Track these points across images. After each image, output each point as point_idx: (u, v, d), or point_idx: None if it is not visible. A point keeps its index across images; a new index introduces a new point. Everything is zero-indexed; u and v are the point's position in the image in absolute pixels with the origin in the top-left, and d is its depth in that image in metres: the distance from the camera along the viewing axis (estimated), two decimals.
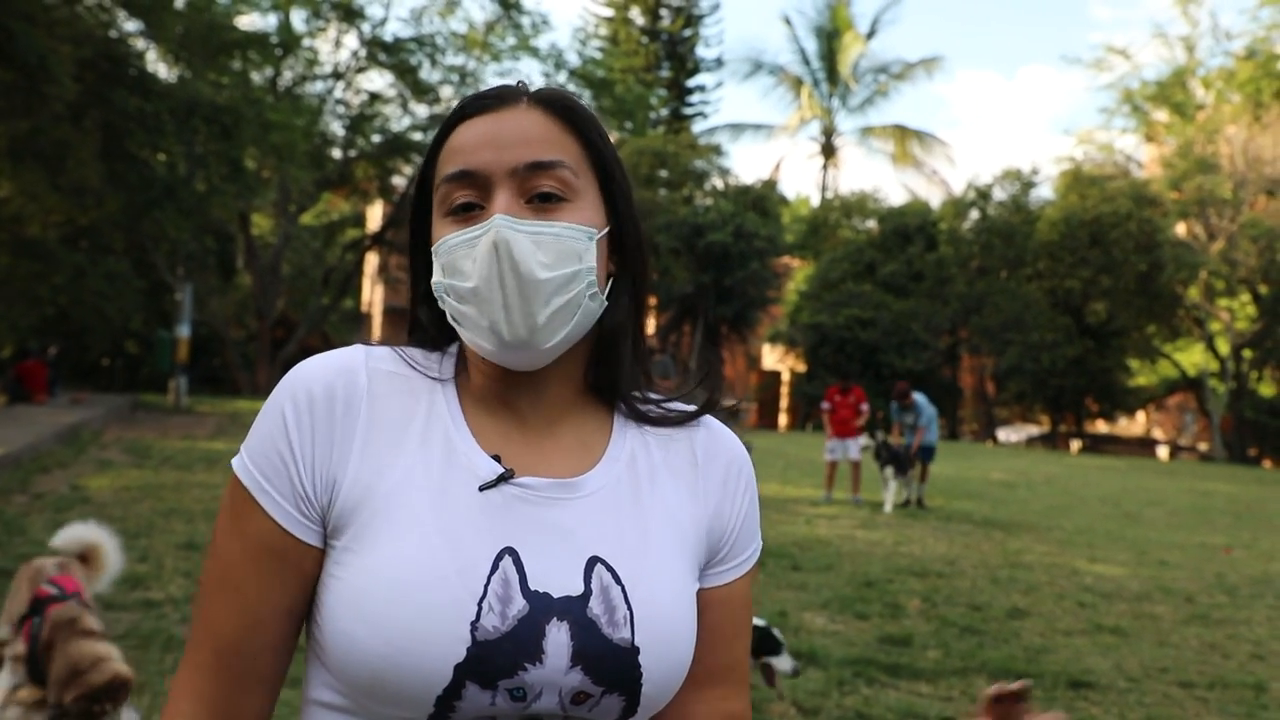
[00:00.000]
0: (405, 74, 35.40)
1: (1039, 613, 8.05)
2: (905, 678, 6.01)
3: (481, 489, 1.12)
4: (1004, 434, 41.62)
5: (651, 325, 37.26)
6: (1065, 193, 38.36)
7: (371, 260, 43.78)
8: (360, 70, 35.83)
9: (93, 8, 20.95)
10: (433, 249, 1.16)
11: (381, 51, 35.25)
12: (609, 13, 50.19)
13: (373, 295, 47.97)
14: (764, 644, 5.07)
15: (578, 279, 1.12)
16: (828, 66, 47.78)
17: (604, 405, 1.26)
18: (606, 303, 1.19)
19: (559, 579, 1.10)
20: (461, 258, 1.12)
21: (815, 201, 50.69)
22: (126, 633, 5.64)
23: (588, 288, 1.14)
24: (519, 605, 1.07)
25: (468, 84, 36.09)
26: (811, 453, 22.58)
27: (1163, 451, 39.77)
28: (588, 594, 1.10)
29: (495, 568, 1.08)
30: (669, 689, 1.15)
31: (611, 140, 1.23)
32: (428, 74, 35.84)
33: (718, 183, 40.23)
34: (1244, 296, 37.89)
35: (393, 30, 44.95)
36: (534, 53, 36.24)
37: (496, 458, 1.15)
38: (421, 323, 1.25)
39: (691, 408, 1.30)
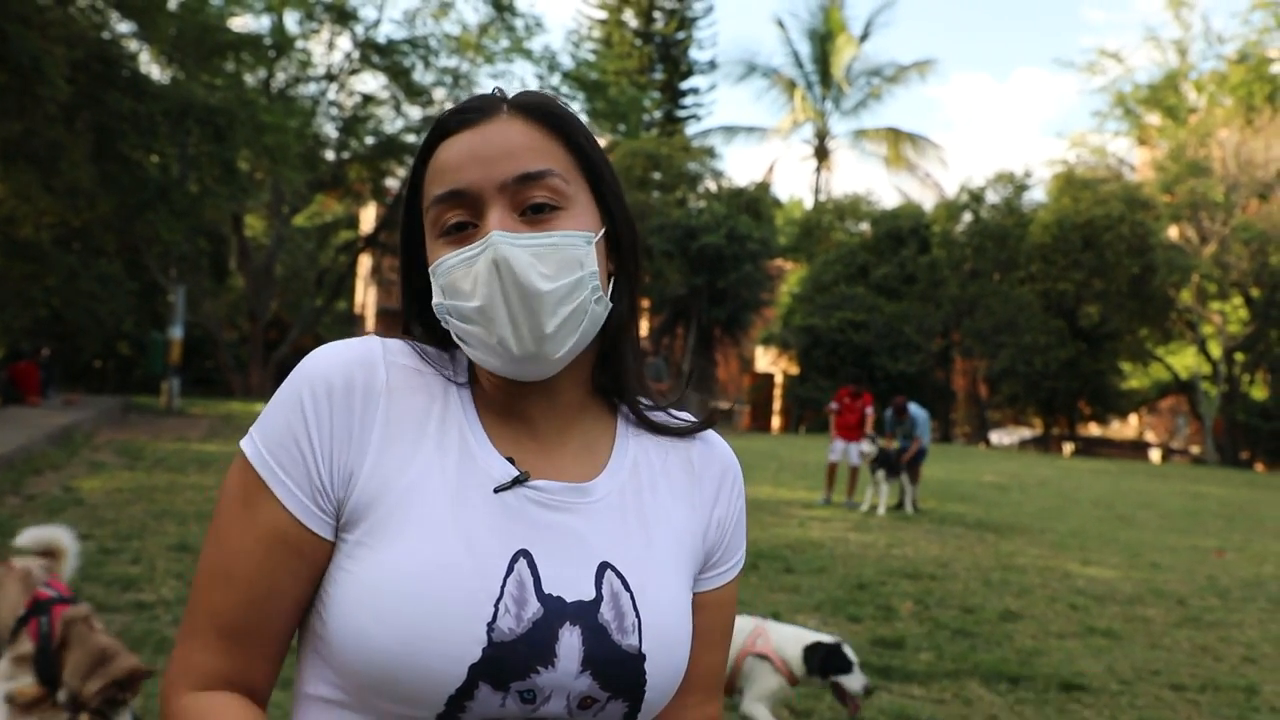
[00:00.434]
0: (398, 76, 35.37)
1: (1031, 615, 8.06)
2: (898, 680, 6.02)
3: (496, 491, 1.12)
4: (996, 437, 41.63)
5: (644, 328, 37.27)
6: (1058, 196, 38.36)
7: (365, 262, 43.74)
8: (353, 72, 35.80)
9: (86, 9, 20.92)
10: (430, 271, 1.15)
11: (375, 53, 35.22)
12: (602, 15, 50.18)
13: (366, 297, 47.93)
14: (834, 661, 4.82)
15: (581, 285, 1.12)
16: (821, 69, 47.78)
17: (608, 408, 1.27)
18: (610, 304, 1.19)
19: (571, 584, 1.11)
20: (461, 278, 1.11)
21: (808, 204, 50.68)
22: (118, 635, 5.62)
23: (592, 293, 1.14)
24: (534, 608, 1.07)
25: (461, 86, 36.07)
26: (804, 455, 22.58)
27: (1155, 454, 39.84)
28: (599, 600, 1.11)
29: (511, 570, 1.09)
30: (668, 695, 1.16)
31: (596, 138, 1.22)
32: (421, 76, 35.82)
33: (711, 185, 40.22)
34: (1236, 300, 37.93)
35: (386, 32, 45.00)
36: (527, 55, 36.22)
37: (510, 460, 1.15)
38: (417, 340, 1.24)
39: (692, 419, 1.30)
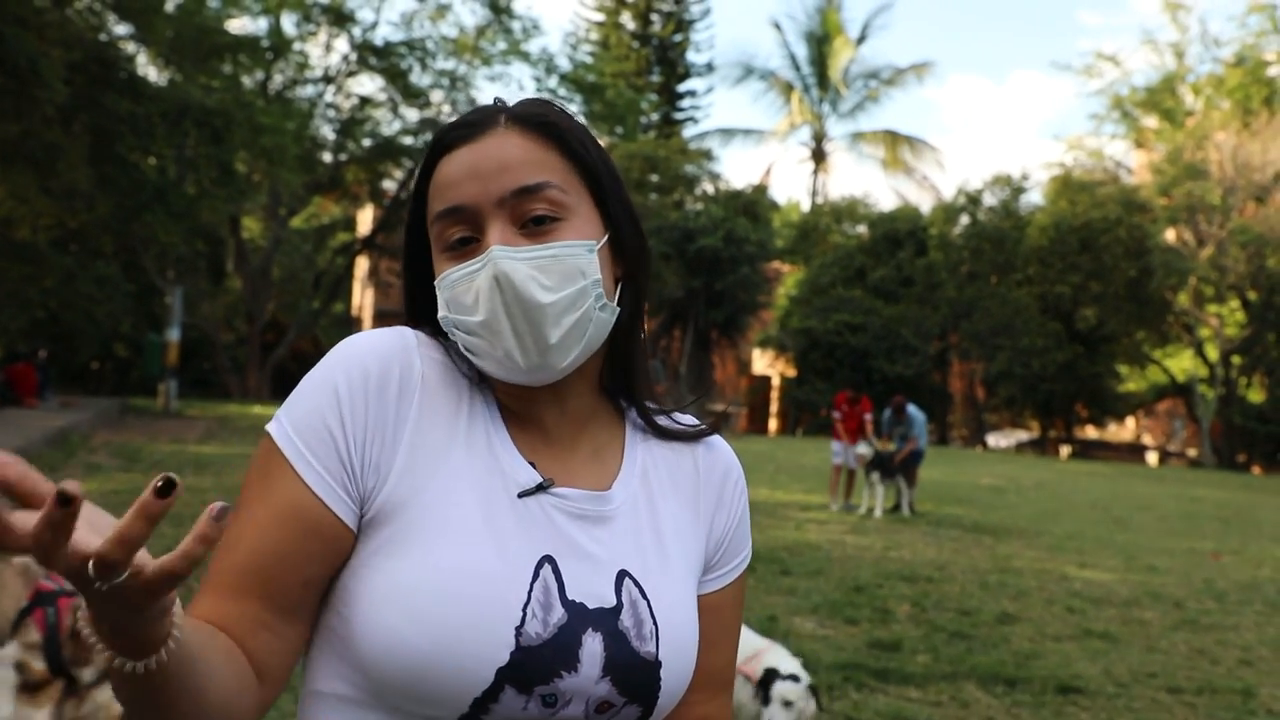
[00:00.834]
0: (396, 78, 35.38)
1: (1028, 618, 8.06)
2: (894, 682, 6.02)
3: (521, 495, 1.13)
4: (993, 439, 41.64)
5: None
6: (1055, 198, 38.41)
7: (362, 264, 43.75)
8: (351, 74, 35.82)
9: (83, 11, 20.94)
10: (436, 284, 1.16)
11: (372, 55, 35.24)
12: (600, 17, 50.21)
13: (363, 299, 47.93)
14: (766, 690, 4.54)
15: (585, 294, 1.13)
16: (818, 72, 47.82)
17: (616, 412, 1.28)
18: (619, 309, 1.20)
19: (592, 590, 1.12)
20: (463, 292, 1.12)
21: (806, 206, 50.70)
22: None
23: (596, 301, 1.14)
24: (559, 613, 1.08)
25: (458, 88, 36.10)
26: (802, 457, 22.58)
27: (1152, 457, 39.87)
28: (619, 607, 1.13)
29: (537, 575, 1.09)
30: (678, 699, 1.18)
31: (599, 142, 1.22)
32: (418, 78, 35.84)
33: (708, 188, 40.27)
34: (1233, 303, 37.97)
35: (383, 34, 44.97)
36: (525, 57, 36.24)
37: (533, 465, 1.16)
38: None
39: (697, 424, 1.31)
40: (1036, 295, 36.92)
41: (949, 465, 23.93)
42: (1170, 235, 37.44)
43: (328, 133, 36.39)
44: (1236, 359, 37.31)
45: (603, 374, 1.25)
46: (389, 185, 37.88)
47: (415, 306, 1.25)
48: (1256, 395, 38.45)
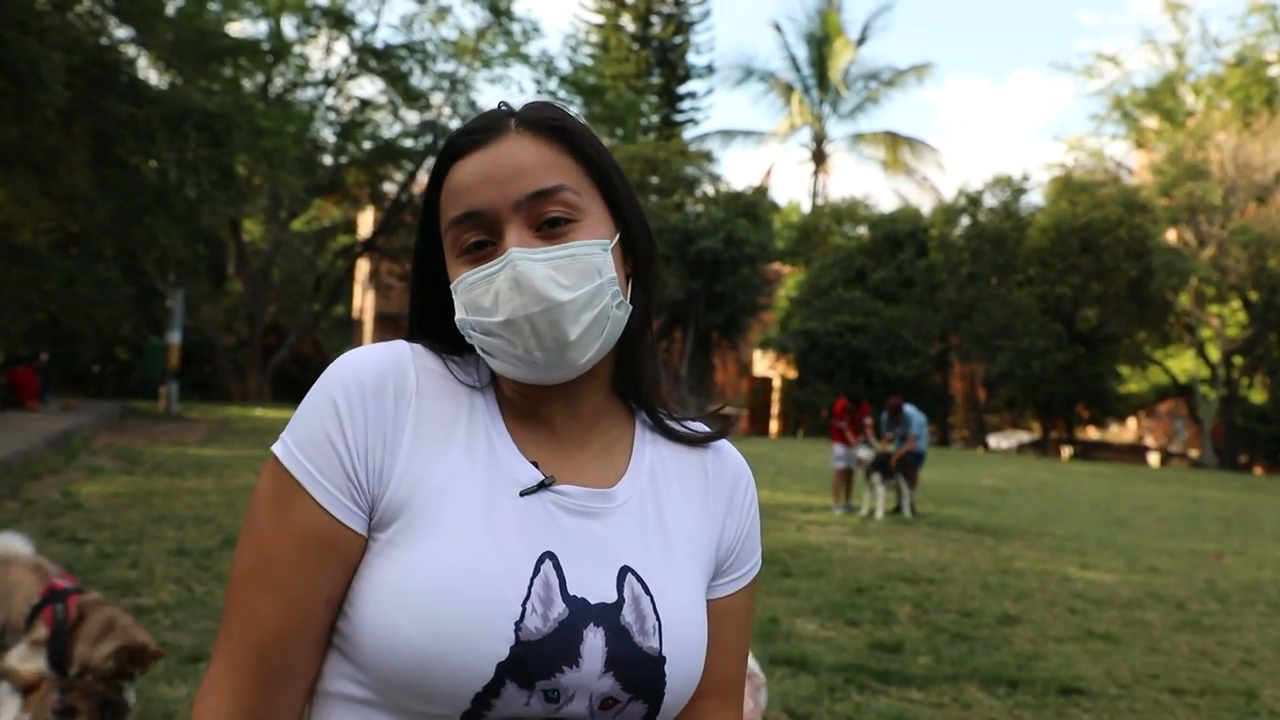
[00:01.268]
0: (396, 81, 35.39)
1: (1030, 619, 8.06)
2: (896, 684, 6.02)
3: (522, 494, 1.15)
4: (995, 440, 41.63)
5: None
6: (1056, 199, 38.39)
7: (363, 267, 43.75)
8: (351, 77, 35.83)
9: (84, 15, 20.94)
10: (452, 287, 1.18)
11: (372, 58, 35.25)
12: (600, 19, 50.25)
13: (364, 302, 47.93)
14: None
15: (601, 292, 1.15)
16: (818, 73, 47.83)
17: (626, 412, 1.30)
18: (631, 307, 1.22)
19: (594, 586, 1.13)
20: (481, 295, 1.14)
21: (806, 208, 50.73)
22: None
23: (613, 298, 1.17)
24: (559, 608, 1.10)
25: (458, 91, 36.12)
26: (803, 459, 22.59)
27: (1153, 458, 39.85)
28: (621, 602, 1.14)
29: (537, 571, 1.11)
30: (685, 698, 1.19)
31: (605, 144, 1.24)
32: (419, 81, 35.85)
33: (709, 189, 40.25)
34: (1234, 303, 37.96)
35: (383, 37, 45.04)
36: (525, 60, 36.26)
37: (535, 464, 1.18)
38: None
39: (706, 429, 1.33)
40: (1037, 296, 36.92)
41: (950, 466, 23.94)
42: (1171, 236, 37.44)
43: (328, 135, 36.41)
44: (1238, 359, 37.31)
45: (613, 373, 1.27)
46: (389, 188, 37.88)
47: (423, 311, 1.27)
48: (1258, 396, 38.45)
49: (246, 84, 30.85)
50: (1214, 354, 37.83)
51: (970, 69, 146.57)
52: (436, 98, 36.20)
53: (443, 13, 35.51)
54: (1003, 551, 11.54)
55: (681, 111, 51.38)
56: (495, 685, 1.05)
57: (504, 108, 1.22)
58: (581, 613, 1.11)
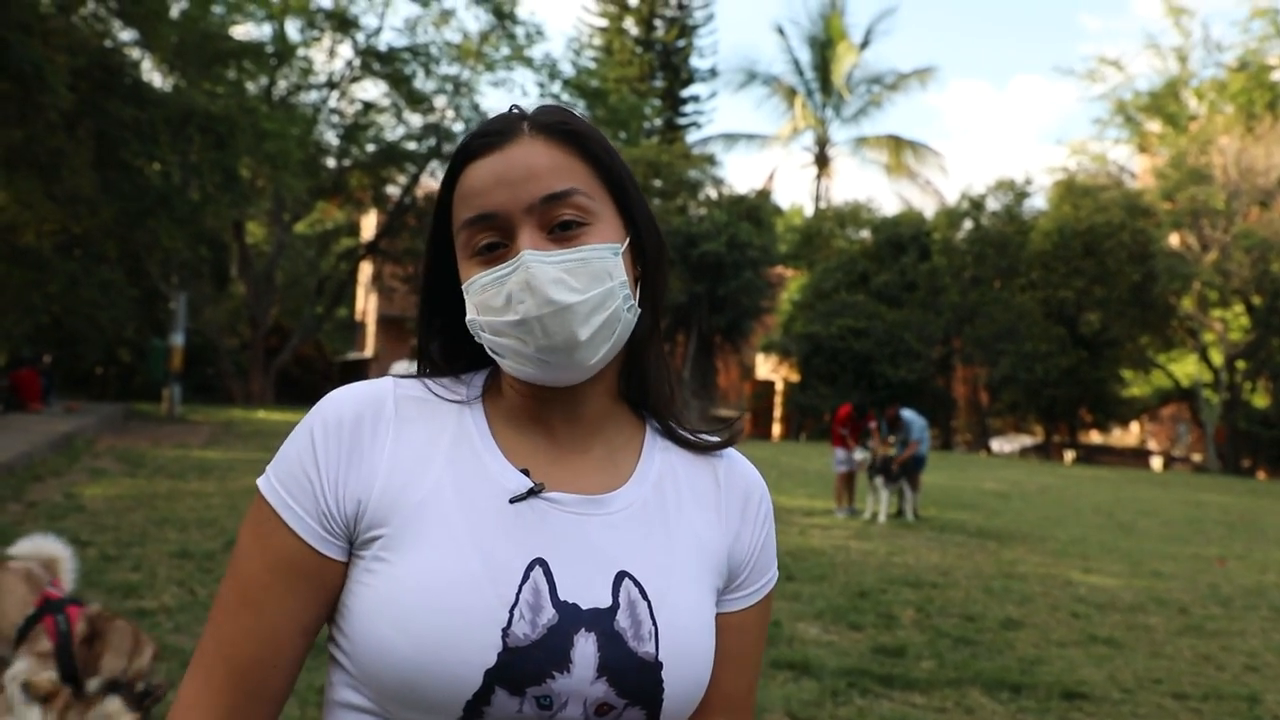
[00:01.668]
0: (399, 84, 35.46)
1: (1033, 623, 8.05)
2: (899, 688, 6.01)
3: (511, 502, 1.15)
4: (997, 444, 41.61)
5: None
6: (1058, 203, 38.39)
7: (365, 269, 43.78)
8: (355, 80, 35.92)
9: (88, 18, 20.98)
10: (464, 289, 1.18)
11: (376, 61, 35.32)
12: (603, 23, 50.30)
13: (366, 304, 47.98)
14: None
15: (612, 295, 1.15)
16: (821, 77, 47.84)
17: (635, 419, 1.30)
18: (640, 310, 1.22)
19: (587, 591, 1.13)
20: (493, 296, 1.15)
21: (809, 211, 50.75)
22: None
23: (624, 301, 1.17)
24: (549, 614, 1.10)
25: (462, 94, 36.16)
26: (806, 462, 22.58)
27: (1156, 462, 39.78)
28: (615, 607, 1.13)
29: (526, 577, 1.11)
30: (688, 705, 1.17)
31: (615, 148, 1.24)
32: (422, 84, 35.92)
33: (711, 193, 40.28)
34: (1237, 307, 37.91)
35: (387, 40, 45.05)
36: (528, 63, 36.31)
37: (525, 472, 1.18)
38: (432, 358, 1.28)
39: (716, 438, 1.32)
40: (1040, 300, 36.92)
41: (953, 470, 23.92)
42: (1174, 240, 37.39)
43: (331, 138, 36.50)
44: (1241, 364, 37.27)
45: (620, 379, 1.27)
46: (393, 190, 37.93)
47: (432, 311, 1.28)
48: (1261, 400, 38.41)
49: (250, 87, 30.93)
50: (1217, 358, 37.79)
51: (973, 73, 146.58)
52: (440, 101, 36.28)
53: (446, 16, 35.58)
54: (1005, 556, 11.52)
55: (684, 115, 51.42)
56: (485, 693, 1.05)
57: (516, 111, 1.22)
58: (572, 618, 1.10)
